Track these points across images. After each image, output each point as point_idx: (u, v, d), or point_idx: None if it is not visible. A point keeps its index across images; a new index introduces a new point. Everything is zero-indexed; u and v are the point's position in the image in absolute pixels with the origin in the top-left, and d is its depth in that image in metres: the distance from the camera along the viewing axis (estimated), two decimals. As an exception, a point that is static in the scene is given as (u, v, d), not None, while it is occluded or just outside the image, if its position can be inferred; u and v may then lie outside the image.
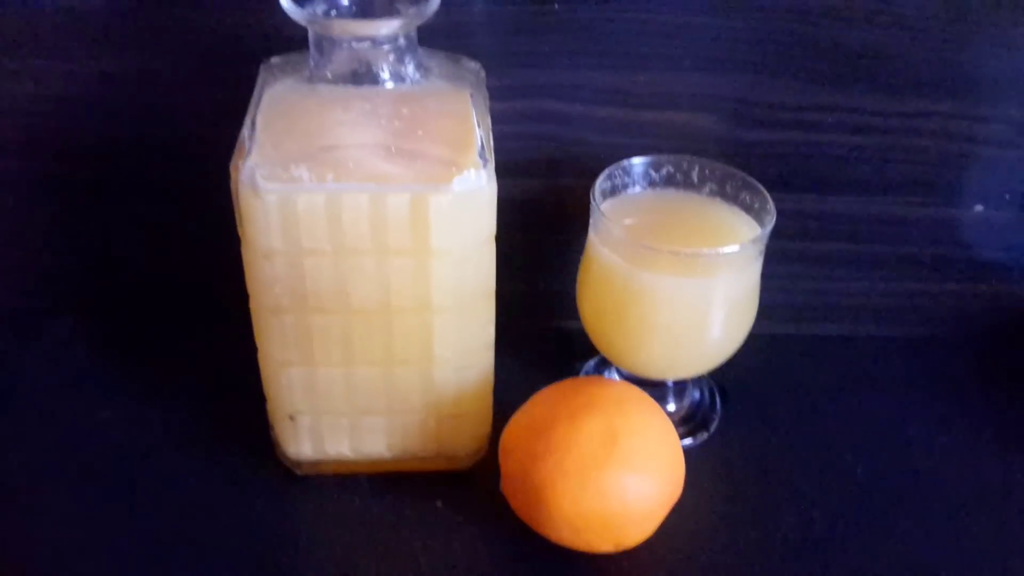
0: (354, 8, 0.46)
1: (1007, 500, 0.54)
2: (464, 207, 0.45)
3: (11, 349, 0.62)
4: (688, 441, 0.56)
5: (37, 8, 0.53)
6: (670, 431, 0.50)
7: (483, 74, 0.51)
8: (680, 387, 0.59)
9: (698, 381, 0.60)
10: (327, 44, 0.46)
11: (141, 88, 0.56)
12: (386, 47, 0.46)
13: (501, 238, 0.48)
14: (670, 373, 0.56)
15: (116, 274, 0.63)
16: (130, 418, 0.57)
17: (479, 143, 0.45)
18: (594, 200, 0.52)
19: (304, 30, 0.46)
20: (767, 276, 0.54)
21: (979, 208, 0.60)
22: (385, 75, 0.47)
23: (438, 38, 0.50)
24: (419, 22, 0.45)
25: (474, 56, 0.52)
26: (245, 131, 0.45)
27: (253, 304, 0.48)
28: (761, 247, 0.52)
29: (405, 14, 0.45)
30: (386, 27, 0.44)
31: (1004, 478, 0.55)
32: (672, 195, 0.55)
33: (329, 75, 0.46)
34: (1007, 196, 0.60)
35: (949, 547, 0.51)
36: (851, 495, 0.54)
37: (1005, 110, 0.56)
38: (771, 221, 0.51)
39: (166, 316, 0.63)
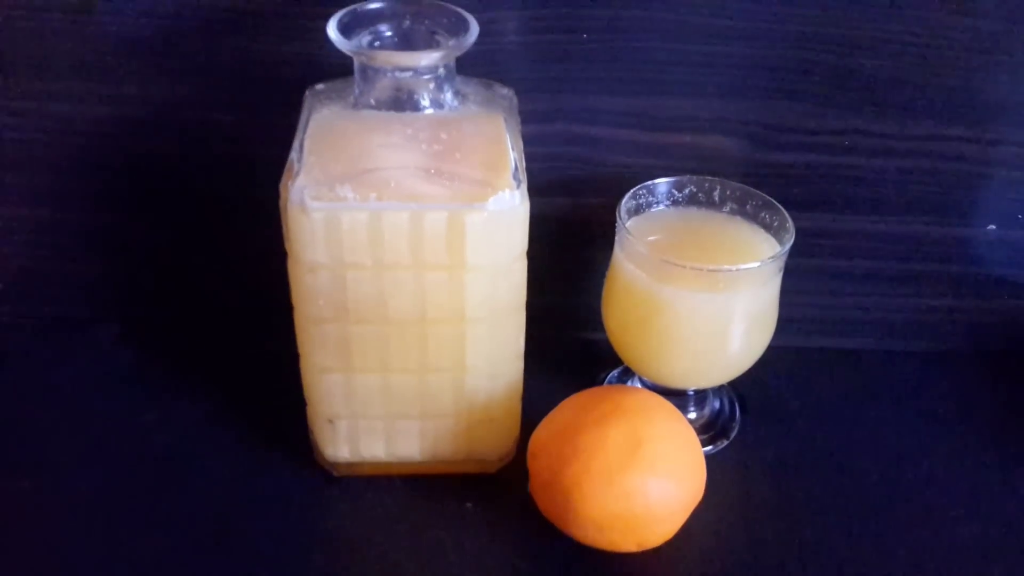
0: (397, 39, 0.48)
1: (1019, 512, 0.55)
2: (498, 225, 0.46)
3: (58, 355, 0.63)
4: (708, 448, 0.57)
5: (94, 37, 0.55)
6: (692, 437, 0.51)
7: (515, 99, 0.52)
8: (701, 396, 0.60)
9: (718, 390, 0.61)
10: (371, 73, 0.47)
11: (191, 111, 0.57)
12: (426, 76, 0.47)
13: (531, 253, 0.49)
14: (691, 383, 0.57)
15: (162, 284, 0.64)
16: (173, 421, 0.58)
17: (513, 165, 0.47)
18: (620, 218, 0.53)
19: (347, 58, 0.47)
20: (786, 291, 0.55)
21: (992, 228, 0.61)
22: (425, 102, 0.48)
23: (474, 65, 0.51)
24: (458, 53, 0.47)
25: (507, 82, 0.53)
26: (294, 154, 0.47)
27: (297, 314, 0.50)
28: (780, 264, 0.53)
29: (445, 46, 0.47)
30: (427, 59, 0.46)
31: (1017, 490, 0.56)
32: (694, 213, 0.57)
33: (373, 101, 0.48)
34: (1020, 216, 0.61)
35: (961, 556, 0.52)
36: (865, 502, 0.55)
37: (1017, 134, 0.57)
38: (790, 239, 0.52)
39: (210, 325, 0.65)
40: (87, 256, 0.63)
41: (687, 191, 0.57)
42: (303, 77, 0.52)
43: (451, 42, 0.47)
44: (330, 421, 0.53)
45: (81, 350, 0.63)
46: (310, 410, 0.54)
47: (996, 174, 0.59)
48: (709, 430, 0.59)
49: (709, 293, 0.52)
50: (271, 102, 0.55)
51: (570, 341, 0.65)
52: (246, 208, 0.56)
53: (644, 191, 0.56)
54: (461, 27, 0.48)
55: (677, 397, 0.57)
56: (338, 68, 0.51)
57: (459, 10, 0.48)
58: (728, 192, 0.56)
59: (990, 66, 0.56)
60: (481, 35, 0.48)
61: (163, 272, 0.64)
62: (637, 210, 0.56)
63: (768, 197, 0.55)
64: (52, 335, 0.64)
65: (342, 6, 0.48)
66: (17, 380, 0.61)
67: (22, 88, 0.57)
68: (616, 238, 0.54)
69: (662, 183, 0.56)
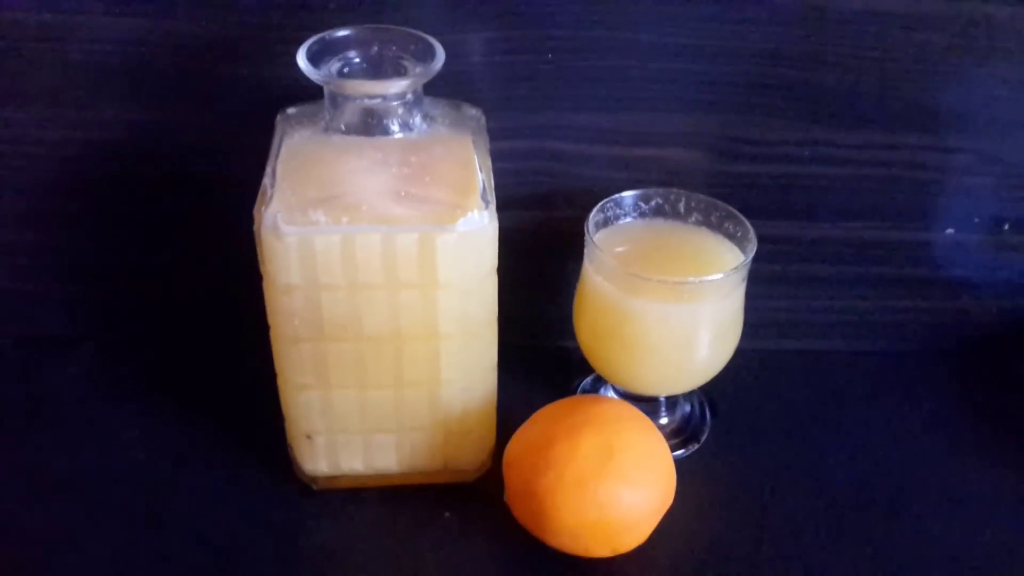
0: (366, 65, 0.49)
1: (984, 505, 0.56)
2: (468, 245, 0.47)
3: (37, 374, 0.63)
4: (679, 452, 0.58)
5: (69, 63, 0.55)
6: (662, 445, 0.52)
7: (483, 119, 0.53)
8: (671, 401, 0.61)
9: (689, 395, 0.62)
10: (341, 100, 0.48)
11: (166, 135, 0.58)
12: (395, 102, 0.48)
13: (503, 266, 0.50)
14: (661, 390, 0.59)
15: (140, 304, 0.65)
16: (153, 439, 0.58)
17: (481, 186, 0.48)
18: (588, 232, 0.54)
19: (318, 84, 0.48)
20: (753, 296, 0.56)
21: (950, 231, 0.62)
22: (394, 126, 0.49)
23: (442, 86, 0.52)
24: (425, 79, 0.48)
25: (474, 101, 0.54)
26: (267, 179, 0.48)
27: (273, 333, 0.50)
28: (744, 274, 0.54)
29: (412, 73, 0.48)
30: (395, 86, 0.47)
31: (981, 483, 0.57)
32: (660, 225, 0.58)
33: (343, 127, 0.49)
34: (976, 219, 0.62)
35: (931, 554, 0.53)
36: (834, 502, 0.56)
37: (970, 141, 0.59)
38: (752, 249, 0.53)
39: (188, 343, 0.65)
40: (66, 277, 0.64)
41: (653, 203, 0.58)
42: (275, 100, 0.53)
43: (418, 68, 0.48)
44: (308, 437, 0.54)
45: (60, 369, 0.64)
46: (288, 426, 0.54)
47: (952, 180, 0.60)
48: (680, 434, 0.60)
49: (676, 304, 0.53)
50: (244, 125, 0.55)
51: (544, 349, 0.65)
52: (221, 229, 0.57)
53: (611, 204, 0.57)
54: (428, 53, 0.48)
55: (648, 403, 0.58)
56: (310, 91, 0.51)
57: (426, 36, 0.49)
58: (693, 203, 0.57)
59: (941, 78, 0.57)
60: (449, 56, 0.49)
61: (141, 292, 0.64)
62: (605, 223, 0.57)
63: (731, 208, 0.56)
64: (31, 354, 0.65)
65: (311, 29, 0.49)
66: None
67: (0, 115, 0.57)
68: (585, 251, 0.55)
69: (628, 196, 0.57)
